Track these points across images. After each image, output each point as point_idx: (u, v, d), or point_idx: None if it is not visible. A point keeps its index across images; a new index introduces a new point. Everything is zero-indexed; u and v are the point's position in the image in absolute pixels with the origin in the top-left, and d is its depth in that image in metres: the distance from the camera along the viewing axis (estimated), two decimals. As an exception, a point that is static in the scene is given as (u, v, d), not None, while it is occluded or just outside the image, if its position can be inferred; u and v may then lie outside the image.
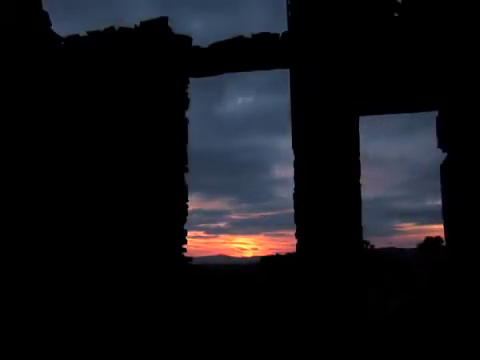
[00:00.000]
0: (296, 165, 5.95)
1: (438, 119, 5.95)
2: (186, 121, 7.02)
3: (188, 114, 7.04)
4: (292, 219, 5.94)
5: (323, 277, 5.69)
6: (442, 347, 5.98)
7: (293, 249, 5.99)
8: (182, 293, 6.38)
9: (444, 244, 6.20)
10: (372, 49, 5.87)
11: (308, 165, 5.90)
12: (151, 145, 6.77)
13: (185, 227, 6.83)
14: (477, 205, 5.51)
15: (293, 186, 5.95)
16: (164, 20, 6.92)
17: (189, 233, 6.86)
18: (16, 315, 6.06)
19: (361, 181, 5.90)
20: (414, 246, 23.21)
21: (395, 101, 5.93)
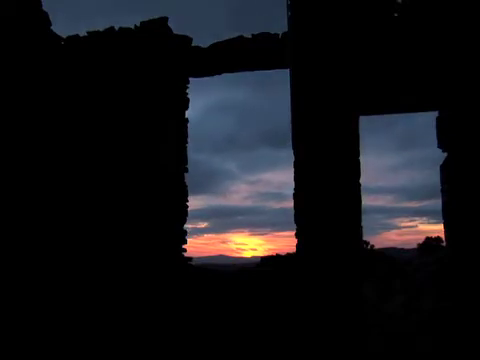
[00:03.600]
0: (296, 165, 5.94)
1: (438, 119, 5.95)
2: (186, 121, 7.02)
3: (188, 114, 7.06)
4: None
5: (323, 277, 5.69)
6: (442, 347, 5.98)
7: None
8: (182, 293, 6.38)
9: (444, 244, 6.20)
10: (372, 49, 5.86)
11: (308, 165, 5.89)
12: (151, 145, 6.77)
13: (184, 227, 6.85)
14: (477, 205, 5.51)
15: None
16: (164, 20, 6.91)
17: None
18: (15, 315, 6.06)
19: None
20: (414, 246, 23.24)
21: (395, 101, 5.93)
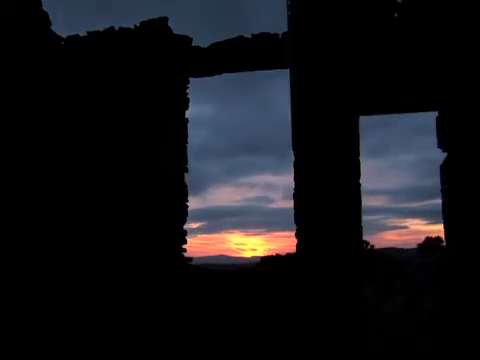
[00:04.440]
0: (296, 165, 5.94)
1: (438, 119, 5.95)
2: (186, 121, 7.02)
3: (188, 114, 7.06)
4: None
5: (323, 277, 5.69)
6: (442, 347, 5.98)
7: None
8: (182, 293, 6.38)
9: (444, 244, 6.20)
10: (372, 49, 5.86)
11: (308, 165, 5.89)
12: (151, 145, 6.77)
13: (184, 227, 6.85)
14: (477, 205, 5.51)
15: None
16: (164, 20, 6.91)
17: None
18: (16, 315, 6.06)
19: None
20: (414, 246, 23.26)
21: (395, 101, 5.93)
